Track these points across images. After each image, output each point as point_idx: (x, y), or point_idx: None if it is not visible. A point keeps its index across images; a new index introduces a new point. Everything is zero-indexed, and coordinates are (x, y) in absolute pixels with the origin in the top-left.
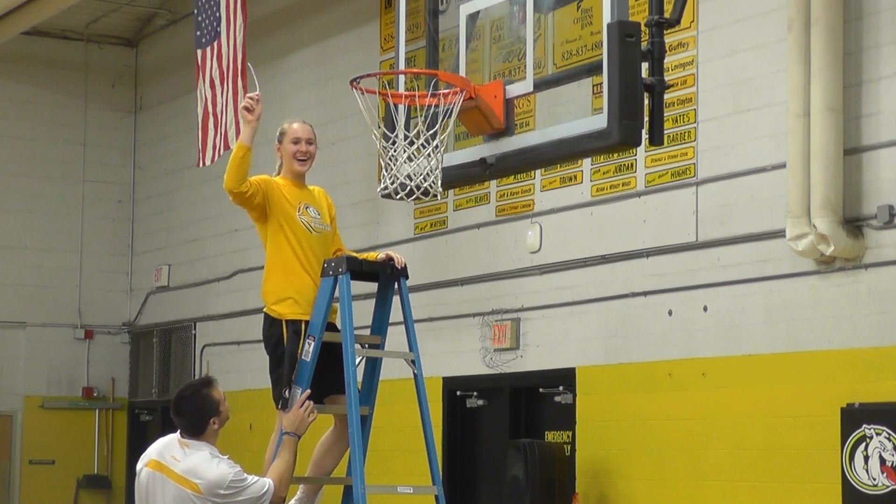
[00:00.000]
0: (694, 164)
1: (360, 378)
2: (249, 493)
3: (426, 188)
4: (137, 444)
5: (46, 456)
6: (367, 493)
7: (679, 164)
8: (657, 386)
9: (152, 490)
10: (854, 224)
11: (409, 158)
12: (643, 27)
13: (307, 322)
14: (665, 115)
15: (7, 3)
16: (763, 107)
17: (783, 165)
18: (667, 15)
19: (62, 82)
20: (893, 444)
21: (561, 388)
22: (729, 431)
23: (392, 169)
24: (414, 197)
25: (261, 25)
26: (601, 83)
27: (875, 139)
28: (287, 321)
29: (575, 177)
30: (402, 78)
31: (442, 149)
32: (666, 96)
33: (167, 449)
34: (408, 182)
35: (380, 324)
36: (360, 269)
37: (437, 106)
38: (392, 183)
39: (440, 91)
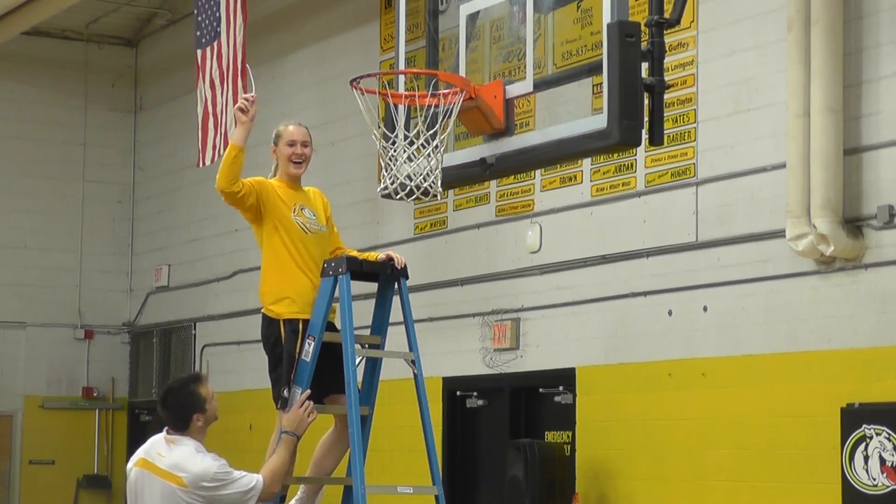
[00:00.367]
0: (694, 164)
1: (359, 378)
2: (236, 488)
3: (426, 188)
4: (137, 445)
5: (46, 456)
6: (367, 493)
7: (679, 164)
8: (657, 386)
9: (140, 488)
10: (854, 224)
11: (409, 158)
12: (643, 27)
13: (305, 321)
14: (665, 115)
15: (7, 3)
16: (763, 107)
17: (783, 165)
18: (667, 15)
19: (62, 82)
20: (893, 444)
21: (561, 388)
22: (729, 431)
23: (392, 169)
24: (414, 197)
25: (261, 25)
26: (601, 83)
27: (875, 139)
28: (285, 320)
29: (575, 177)
30: (402, 78)
31: (442, 149)
32: (666, 96)
33: (154, 447)
34: (408, 182)
35: (380, 324)
36: (360, 269)
37: (437, 106)
38: (392, 183)
39: (440, 91)
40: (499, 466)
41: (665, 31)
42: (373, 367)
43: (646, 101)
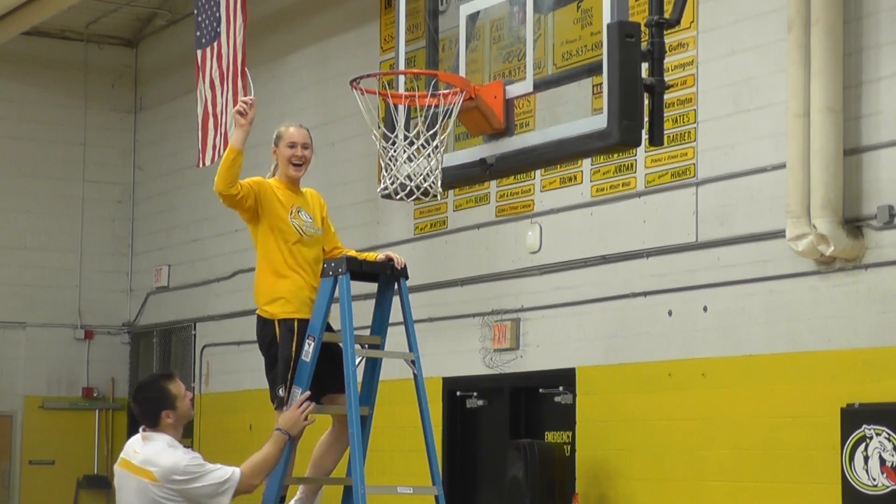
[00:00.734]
0: (694, 164)
1: (359, 378)
2: (209, 480)
3: (426, 188)
4: None
5: (46, 456)
6: (367, 493)
7: (679, 164)
8: (657, 386)
9: (119, 487)
10: (854, 224)
11: (409, 159)
12: (643, 27)
13: (300, 320)
14: (665, 115)
15: (7, 3)
16: (763, 107)
17: (783, 165)
18: (667, 15)
19: (62, 82)
20: (893, 444)
21: (561, 388)
22: (729, 431)
23: (392, 169)
24: (414, 197)
25: (261, 25)
26: (601, 83)
27: (875, 139)
28: (279, 320)
29: (575, 177)
30: (402, 78)
31: (442, 149)
32: (666, 96)
33: (131, 445)
34: (408, 182)
35: (380, 324)
36: (359, 270)
37: (436, 106)
38: (392, 183)
39: (440, 91)
40: (499, 466)
41: (665, 32)
42: (373, 367)
43: (646, 102)
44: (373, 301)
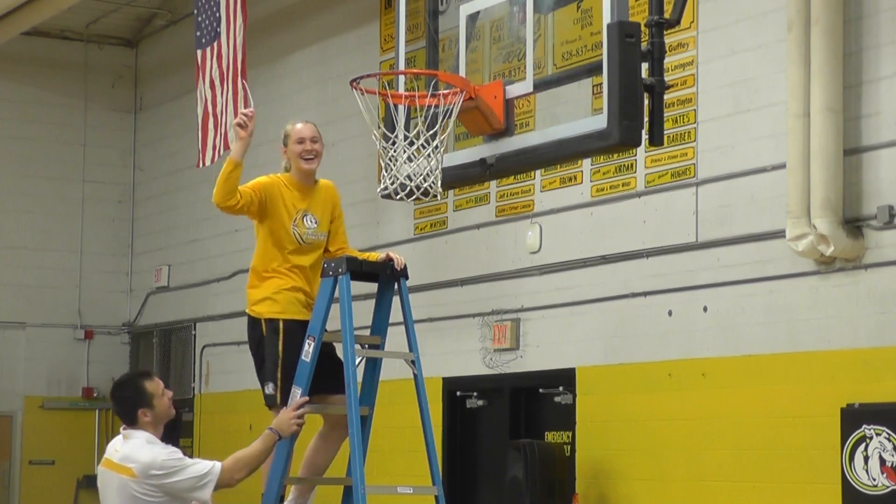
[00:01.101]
0: (694, 164)
1: (359, 378)
2: (188, 474)
3: (426, 188)
4: None
5: (46, 456)
6: (367, 493)
7: (679, 164)
8: (657, 386)
9: (102, 487)
10: (854, 224)
11: (409, 159)
12: (643, 27)
13: (285, 320)
14: (665, 115)
15: (7, 3)
16: (763, 107)
17: (783, 166)
18: (667, 15)
19: (62, 82)
20: (893, 444)
21: (561, 388)
22: (729, 431)
23: (392, 169)
24: (414, 197)
25: (261, 25)
26: (601, 83)
27: (875, 139)
28: (265, 320)
29: (575, 177)
30: (402, 78)
31: (442, 149)
32: (666, 97)
33: (112, 445)
34: (408, 182)
35: (380, 324)
36: (359, 270)
37: (436, 106)
38: (392, 183)
39: (440, 91)
40: (499, 466)
41: (665, 32)
42: (373, 367)
43: (646, 102)
44: (373, 301)
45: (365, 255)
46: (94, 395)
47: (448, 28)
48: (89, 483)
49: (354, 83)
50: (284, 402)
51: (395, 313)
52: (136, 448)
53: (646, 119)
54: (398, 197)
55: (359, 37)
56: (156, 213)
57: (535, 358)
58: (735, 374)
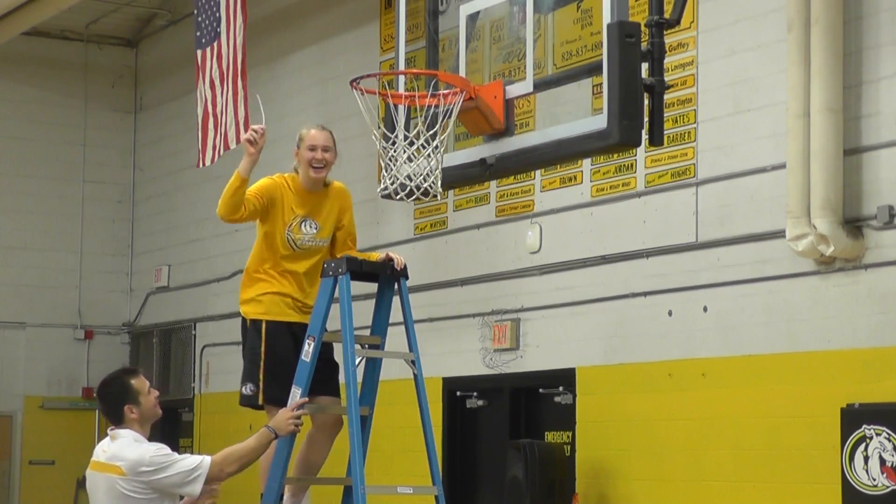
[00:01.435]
0: (694, 164)
1: (359, 378)
2: (177, 469)
3: (426, 188)
4: None
5: (46, 456)
6: (367, 493)
7: (679, 164)
8: (657, 386)
9: (91, 489)
10: (854, 224)
11: (409, 159)
12: (643, 27)
13: (268, 322)
14: (665, 115)
15: (7, 3)
16: (763, 107)
17: (783, 166)
18: (667, 15)
19: (62, 82)
20: (893, 444)
21: (561, 388)
22: (729, 431)
23: (392, 169)
24: (414, 197)
25: (261, 25)
26: (601, 83)
27: (875, 139)
28: (250, 320)
29: (575, 177)
30: (401, 78)
31: (442, 149)
32: (666, 97)
33: (100, 447)
34: (408, 182)
35: (380, 324)
36: (359, 270)
37: (436, 106)
38: (392, 183)
39: (440, 91)
40: (499, 466)
41: (665, 32)
42: (373, 367)
43: (646, 102)
44: (373, 301)
45: (365, 255)
46: (94, 395)
47: (448, 28)
48: None
49: (354, 83)
50: (269, 402)
51: (395, 313)
52: (123, 446)
53: (646, 119)
54: (398, 197)
55: (359, 37)
56: (156, 213)
57: (535, 358)
58: (735, 374)
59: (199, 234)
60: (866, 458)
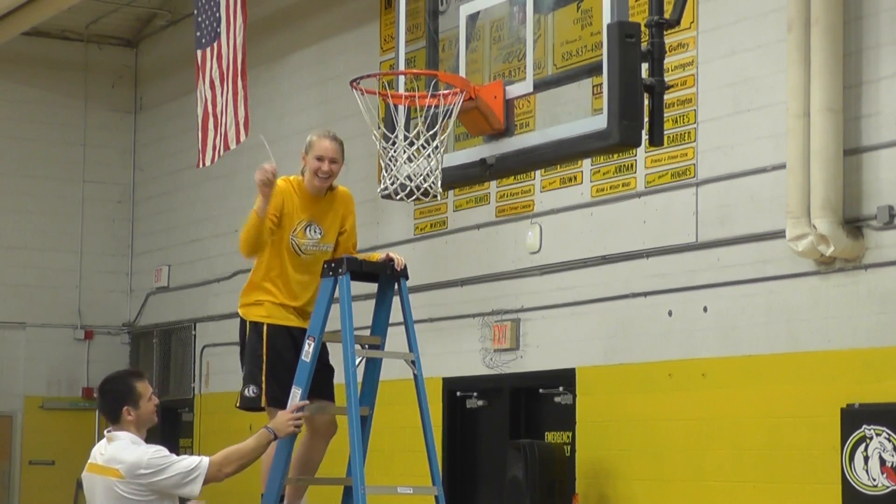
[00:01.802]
0: (694, 164)
1: (359, 378)
2: (175, 470)
3: (426, 189)
4: None
5: (46, 456)
6: (367, 493)
7: (679, 164)
8: (657, 386)
9: (88, 491)
10: (854, 224)
11: (409, 159)
12: (643, 27)
13: (269, 325)
14: (665, 115)
15: (7, 3)
16: (763, 107)
17: (783, 166)
18: (667, 15)
19: (62, 82)
20: (893, 444)
21: (561, 388)
22: (729, 431)
23: (392, 169)
24: (414, 197)
25: (261, 25)
26: (601, 83)
27: (875, 139)
28: (251, 322)
29: (575, 177)
30: (401, 78)
31: (442, 149)
32: (666, 97)
33: (97, 449)
34: (408, 183)
35: (380, 324)
36: (359, 270)
37: (436, 106)
38: (392, 183)
39: (440, 92)
40: (499, 466)
41: (665, 32)
42: (373, 367)
43: (646, 102)
44: (373, 301)
45: (365, 256)
46: (94, 395)
47: (448, 28)
48: None
49: (354, 83)
50: (271, 404)
51: (395, 313)
52: (121, 449)
53: (646, 119)
54: (398, 197)
55: (359, 37)
56: (156, 213)
57: (535, 358)
58: (735, 374)
59: (199, 234)
60: (866, 459)
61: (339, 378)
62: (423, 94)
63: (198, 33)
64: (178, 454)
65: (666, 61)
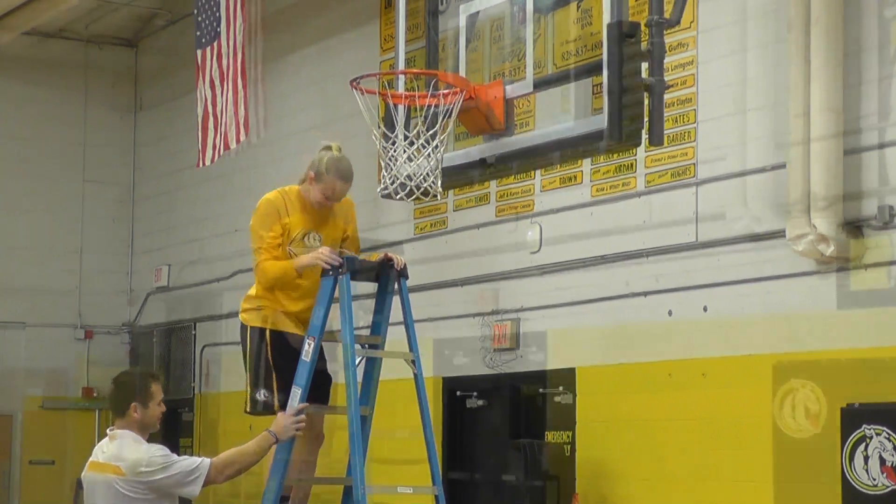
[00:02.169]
0: (694, 164)
1: (359, 378)
2: (176, 469)
3: (426, 188)
4: None
5: (46, 456)
6: (367, 493)
7: (679, 164)
8: (657, 386)
9: (89, 490)
10: (854, 224)
11: (409, 158)
12: (643, 27)
13: (272, 330)
14: (665, 115)
15: (7, 3)
16: (763, 107)
17: (783, 166)
18: (667, 15)
19: (62, 82)
20: (893, 444)
21: (561, 388)
22: (729, 431)
23: (392, 169)
24: (414, 197)
25: (261, 25)
26: (601, 83)
27: (875, 139)
28: (250, 327)
29: (575, 177)
30: (401, 78)
31: (442, 149)
32: (666, 96)
33: (98, 448)
34: (408, 182)
35: (380, 324)
36: (360, 270)
37: (436, 106)
38: (392, 183)
39: (440, 91)
40: (499, 466)
41: (665, 31)
42: (373, 367)
43: (645, 102)
44: (373, 301)
45: (365, 255)
46: (94, 395)
47: (448, 28)
48: None
49: (354, 83)
50: (284, 408)
51: (396, 313)
52: (123, 447)
53: (646, 119)
54: (398, 197)
55: (359, 37)
56: (156, 213)
57: (535, 358)
58: (735, 374)
59: (199, 234)
60: (866, 458)
61: (339, 378)
62: (422, 93)
63: (198, 33)
64: (178, 454)
65: (666, 61)
